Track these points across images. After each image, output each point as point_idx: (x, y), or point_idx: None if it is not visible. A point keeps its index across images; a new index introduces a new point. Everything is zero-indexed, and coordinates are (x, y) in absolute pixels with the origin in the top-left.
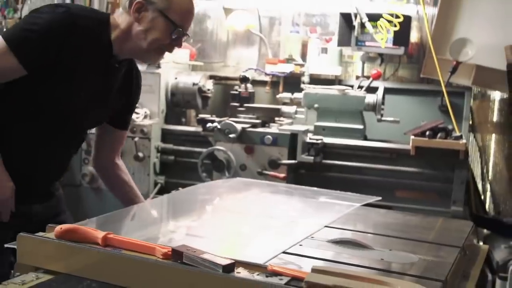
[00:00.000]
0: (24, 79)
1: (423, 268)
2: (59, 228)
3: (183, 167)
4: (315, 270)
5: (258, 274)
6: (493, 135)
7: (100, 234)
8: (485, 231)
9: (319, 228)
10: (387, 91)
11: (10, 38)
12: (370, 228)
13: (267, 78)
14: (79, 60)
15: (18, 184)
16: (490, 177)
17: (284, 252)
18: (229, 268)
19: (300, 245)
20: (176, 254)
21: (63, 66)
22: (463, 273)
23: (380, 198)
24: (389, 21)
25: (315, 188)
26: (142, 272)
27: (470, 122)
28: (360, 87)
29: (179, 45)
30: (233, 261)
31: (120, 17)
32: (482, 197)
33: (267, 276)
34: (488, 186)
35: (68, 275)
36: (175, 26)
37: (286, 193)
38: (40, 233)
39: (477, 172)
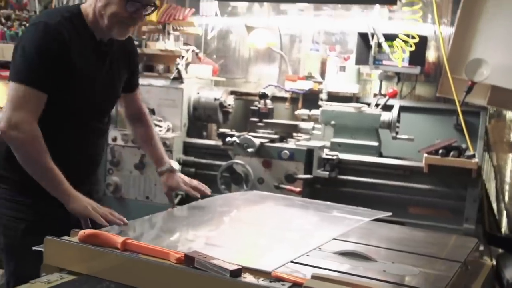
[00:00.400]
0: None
1: (423, 280)
2: (82, 232)
3: (203, 179)
4: (314, 277)
5: (262, 280)
6: (508, 154)
7: (119, 239)
8: (499, 250)
9: (328, 240)
10: (404, 109)
11: (22, 78)
12: (377, 242)
13: (287, 95)
14: (76, 56)
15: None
16: (505, 197)
17: (291, 262)
18: (236, 273)
19: (308, 255)
20: (188, 259)
21: (67, 67)
22: (464, 287)
23: (390, 213)
24: (405, 42)
25: (328, 203)
26: (157, 275)
27: (486, 141)
28: (377, 105)
29: (140, 18)
30: (240, 266)
31: (89, 1)
32: (497, 217)
33: (270, 282)
34: (503, 205)
35: (90, 276)
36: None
37: (300, 207)
38: (65, 237)
39: (491, 191)
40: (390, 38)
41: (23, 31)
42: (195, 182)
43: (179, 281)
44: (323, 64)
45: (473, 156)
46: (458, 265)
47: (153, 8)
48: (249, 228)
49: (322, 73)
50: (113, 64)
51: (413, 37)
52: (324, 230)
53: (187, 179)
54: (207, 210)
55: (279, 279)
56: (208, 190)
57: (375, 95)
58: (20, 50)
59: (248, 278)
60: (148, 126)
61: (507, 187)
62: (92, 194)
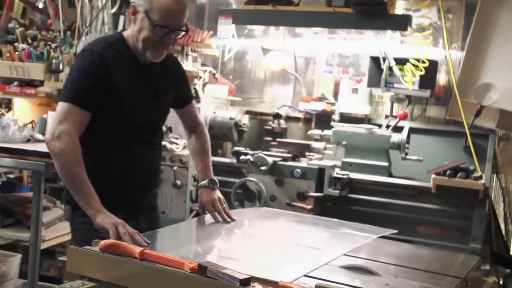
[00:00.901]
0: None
1: None
2: (103, 242)
3: None
4: (318, 287)
5: None
6: None
7: (137, 249)
8: (507, 270)
9: (337, 255)
10: (414, 131)
11: (68, 99)
12: (383, 258)
13: (301, 115)
14: (120, 78)
15: (126, 199)
16: (511, 217)
17: (305, 276)
18: (245, 282)
19: (316, 269)
20: (202, 269)
21: (111, 88)
22: None
23: (396, 231)
24: (415, 66)
25: (336, 220)
26: (172, 283)
27: (494, 164)
28: (387, 126)
29: (169, 41)
30: (249, 276)
31: (130, 28)
32: (505, 238)
33: None
34: (511, 227)
35: (109, 283)
36: (156, 25)
37: (310, 223)
38: (87, 247)
39: (500, 212)
40: (401, 62)
41: (47, 51)
42: (223, 208)
43: None
44: (336, 86)
45: (480, 177)
46: (458, 281)
47: (183, 33)
48: (261, 242)
49: (335, 95)
50: (157, 83)
51: (423, 62)
52: (333, 246)
53: (221, 201)
54: (222, 224)
55: None
56: (230, 221)
57: (386, 116)
58: (68, 76)
59: (257, 286)
60: (199, 138)
61: None
62: (153, 211)
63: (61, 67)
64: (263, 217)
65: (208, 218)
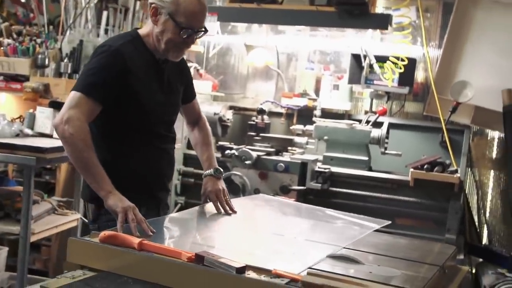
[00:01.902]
0: (112, 105)
1: (404, 280)
2: (103, 234)
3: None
4: (310, 274)
5: (264, 276)
6: (489, 170)
7: (136, 240)
8: (480, 259)
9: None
10: (393, 126)
11: (81, 89)
12: (365, 248)
13: (283, 110)
14: (137, 73)
15: (145, 193)
16: (485, 210)
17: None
18: (241, 270)
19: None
20: (199, 258)
21: (130, 85)
22: None
23: (390, 222)
24: (395, 63)
25: (334, 211)
26: (170, 272)
27: (469, 158)
28: (367, 121)
29: (192, 42)
30: (244, 265)
31: (148, 26)
32: (478, 229)
33: (271, 278)
34: (483, 218)
35: (109, 272)
36: (182, 27)
37: (309, 214)
38: (87, 238)
39: (473, 204)
40: (381, 59)
41: (33, 46)
42: (226, 200)
43: (190, 277)
44: (318, 82)
45: (456, 171)
46: (437, 268)
47: (203, 32)
48: (258, 235)
49: (317, 91)
50: (170, 78)
51: (402, 60)
52: (324, 238)
53: (224, 192)
54: (224, 214)
55: (278, 276)
56: (231, 213)
57: (366, 112)
58: (84, 68)
59: (252, 274)
60: (202, 131)
61: (488, 201)
62: (167, 207)
63: (46, 62)
64: (261, 206)
65: (209, 207)
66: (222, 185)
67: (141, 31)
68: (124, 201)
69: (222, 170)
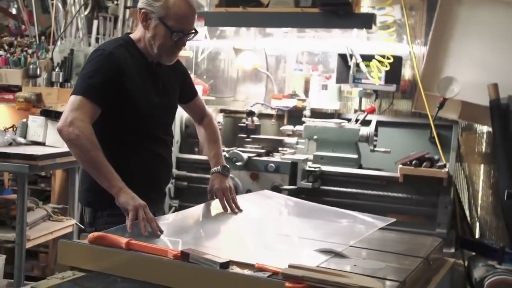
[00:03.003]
0: (108, 108)
1: (388, 272)
2: (91, 235)
3: (195, 192)
4: (291, 266)
5: (247, 270)
6: (478, 165)
7: (124, 240)
8: (472, 253)
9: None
10: (382, 124)
11: (81, 92)
12: (352, 242)
13: (273, 112)
14: (131, 76)
15: (143, 195)
16: (476, 203)
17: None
18: (225, 265)
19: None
20: (184, 255)
21: (125, 88)
22: (426, 280)
23: (394, 219)
24: (380, 62)
25: (339, 209)
26: (157, 269)
27: (458, 153)
28: (356, 120)
29: (184, 44)
30: (228, 260)
31: (139, 31)
32: (471, 223)
33: (254, 272)
34: (475, 212)
35: (98, 272)
36: (173, 31)
37: (313, 213)
38: (76, 240)
39: (465, 199)
40: (367, 58)
41: (24, 57)
42: (232, 198)
43: (176, 274)
44: (307, 82)
45: (444, 166)
46: (421, 260)
47: (193, 33)
48: (255, 230)
49: (306, 91)
50: (164, 80)
51: (388, 58)
52: (311, 233)
53: (231, 190)
54: (229, 213)
55: (261, 270)
56: (237, 211)
57: (355, 111)
58: (80, 73)
59: (235, 269)
60: (208, 128)
61: (479, 196)
62: (160, 211)
63: (38, 72)
64: (266, 203)
65: (215, 204)
66: (229, 182)
67: (133, 36)
68: (135, 199)
69: (229, 167)
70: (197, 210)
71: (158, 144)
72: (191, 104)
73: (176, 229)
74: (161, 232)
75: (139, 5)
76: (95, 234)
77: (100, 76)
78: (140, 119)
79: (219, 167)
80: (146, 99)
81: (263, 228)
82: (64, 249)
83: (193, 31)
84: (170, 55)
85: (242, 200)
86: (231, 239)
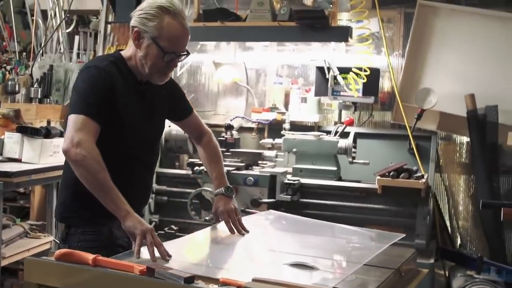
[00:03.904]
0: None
1: (356, 284)
2: (58, 252)
3: (176, 206)
4: (254, 280)
5: (212, 285)
6: (458, 175)
7: (90, 257)
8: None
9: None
10: (362, 135)
11: (83, 111)
12: (324, 254)
13: (254, 125)
14: (121, 94)
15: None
16: (456, 214)
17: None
18: (189, 280)
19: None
20: (150, 271)
21: (114, 104)
22: None
23: (404, 235)
24: (357, 74)
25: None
26: (124, 285)
27: (437, 163)
28: (336, 132)
29: (175, 65)
30: (192, 275)
31: (130, 49)
32: (451, 233)
33: (219, 286)
34: (455, 222)
35: None
36: (165, 52)
37: (316, 229)
38: (43, 257)
39: (445, 209)
40: (344, 71)
41: (3, 73)
42: (238, 219)
43: None
44: (287, 96)
45: (422, 177)
46: (391, 271)
47: (185, 55)
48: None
49: (286, 104)
50: (154, 100)
51: (365, 70)
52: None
53: (236, 211)
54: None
55: (226, 284)
56: (244, 233)
57: (335, 123)
58: (74, 91)
59: (200, 284)
60: (208, 147)
61: (459, 206)
62: None
63: (17, 88)
64: (277, 228)
65: (221, 227)
66: (233, 204)
67: (124, 53)
68: (143, 224)
69: (233, 188)
70: (204, 233)
71: (140, 164)
72: (186, 122)
73: (184, 253)
74: (170, 256)
75: (132, 23)
76: (62, 250)
77: (97, 94)
78: (123, 138)
79: (223, 188)
80: (134, 119)
81: (262, 247)
82: (31, 266)
83: (185, 52)
84: (161, 75)
85: (250, 221)
86: (240, 260)
